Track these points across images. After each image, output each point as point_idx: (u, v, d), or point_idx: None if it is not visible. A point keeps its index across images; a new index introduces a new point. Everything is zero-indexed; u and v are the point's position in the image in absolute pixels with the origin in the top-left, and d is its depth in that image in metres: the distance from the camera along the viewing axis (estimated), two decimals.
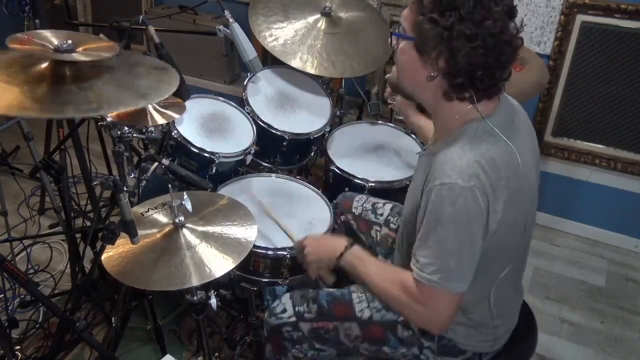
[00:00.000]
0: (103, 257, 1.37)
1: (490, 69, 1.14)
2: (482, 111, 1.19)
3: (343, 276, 1.50)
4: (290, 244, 1.67)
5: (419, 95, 1.28)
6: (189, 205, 1.40)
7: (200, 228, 1.44)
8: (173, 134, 1.84)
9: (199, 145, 1.83)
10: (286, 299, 1.50)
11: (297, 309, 1.47)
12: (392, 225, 1.69)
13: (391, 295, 1.28)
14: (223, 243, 1.40)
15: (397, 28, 1.24)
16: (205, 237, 1.41)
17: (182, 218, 1.42)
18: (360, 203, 1.80)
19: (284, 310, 1.48)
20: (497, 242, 1.19)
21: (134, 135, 1.83)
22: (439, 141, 1.26)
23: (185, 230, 1.42)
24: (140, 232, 1.35)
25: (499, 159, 1.15)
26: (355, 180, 1.92)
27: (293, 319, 1.46)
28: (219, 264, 1.34)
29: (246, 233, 1.45)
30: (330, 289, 1.51)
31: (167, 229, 1.43)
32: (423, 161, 1.30)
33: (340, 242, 1.42)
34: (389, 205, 1.75)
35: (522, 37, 1.18)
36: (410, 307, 1.24)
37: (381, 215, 1.73)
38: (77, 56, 1.21)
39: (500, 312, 1.33)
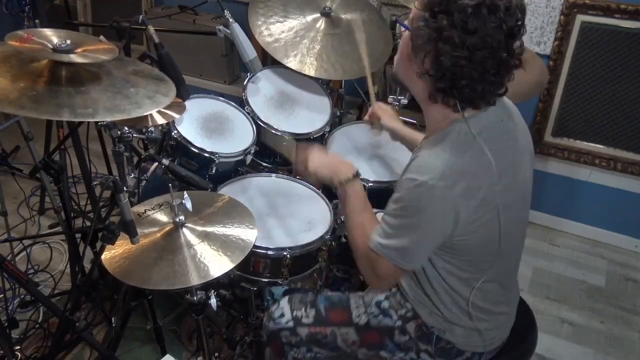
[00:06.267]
0: (104, 257, 1.37)
1: (474, 81, 1.12)
2: (464, 113, 1.18)
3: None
4: (290, 244, 1.68)
5: (410, 88, 1.28)
6: (189, 205, 1.40)
7: (200, 228, 1.44)
8: (173, 134, 1.84)
9: (199, 145, 1.83)
10: (284, 303, 1.50)
11: (294, 313, 1.47)
12: None
13: (356, 246, 1.34)
14: (223, 243, 1.41)
15: (406, 17, 1.24)
16: (206, 236, 1.42)
17: (182, 217, 1.42)
18: None
19: (282, 315, 1.48)
20: (469, 243, 1.21)
21: (134, 135, 1.84)
22: (427, 139, 1.28)
23: (185, 230, 1.42)
24: (141, 232, 1.35)
25: (474, 162, 1.16)
26: None
27: (291, 323, 1.46)
28: (219, 264, 1.34)
29: (246, 233, 1.45)
30: (329, 293, 1.52)
31: (167, 228, 1.43)
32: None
33: (349, 169, 1.41)
34: (380, 215, 1.75)
35: (519, 58, 1.16)
36: (363, 263, 1.32)
37: None
38: (75, 57, 1.22)
39: (480, 314, 1.33)
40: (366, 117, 1.83)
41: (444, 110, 1.20)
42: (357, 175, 1.41)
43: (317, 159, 1.48)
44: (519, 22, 1.12)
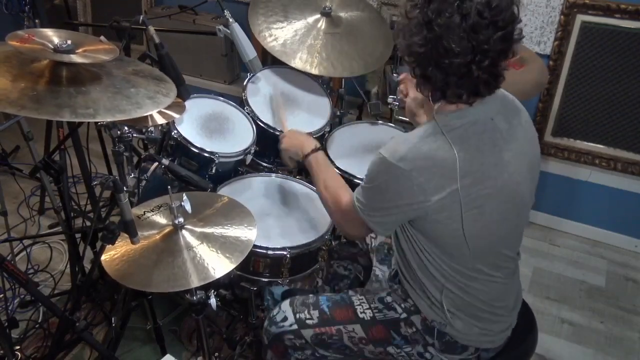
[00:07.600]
0: (103, 259, 1.37)
1: (435, 69, 1.16)
2: (439, 107, 1.23)
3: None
4: (290, 243, 1.68)
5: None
6: (188, 207, 1.40)
7: (199, 229, 1.44)
8: (173, 133, 1.83)
9: (198, 145, 1.83)
10: (286, 307, 1.50)
11: (298, 316, 1.47)
12: None
13: (326, 202, 1.51)
14: (223, 244, 1.40)
15: None
16: (205, 238, 1.41)
17: (181, 219, 1.42)
18: None
19: (285, 319, 1.48)
20: (442, 234, 1.24)
21: (134, 135, 1.84)
22: None
23: (184, 232, 1.42)
24: (140, 234, 1.35)
25: (440, 152, 1.18)
26: (355, 180, 1.91)
27: (295, 326, 1.46)
28: (219, 265, 1.34)
29: (246, 234, 1.45)
30: (329, 294, 1.52)
31: (166, 230, 1.43)
32: None
33: (310, 143, 1.64)
34: None
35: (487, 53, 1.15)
36: (336, 214, 1.48)
37: None
38: (76, 58, 1.22)
39: (479, 305, 1.33)
40: (401, 77, 1.74)
41: (428, 102, 1.26)
42: (317, 147, 1.62)
43: (286, 140, 1.73)
44: (484, 19, 1.10)
